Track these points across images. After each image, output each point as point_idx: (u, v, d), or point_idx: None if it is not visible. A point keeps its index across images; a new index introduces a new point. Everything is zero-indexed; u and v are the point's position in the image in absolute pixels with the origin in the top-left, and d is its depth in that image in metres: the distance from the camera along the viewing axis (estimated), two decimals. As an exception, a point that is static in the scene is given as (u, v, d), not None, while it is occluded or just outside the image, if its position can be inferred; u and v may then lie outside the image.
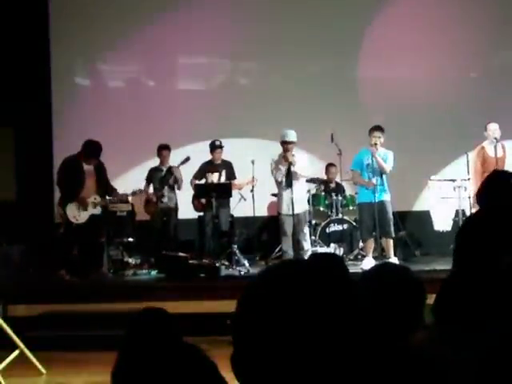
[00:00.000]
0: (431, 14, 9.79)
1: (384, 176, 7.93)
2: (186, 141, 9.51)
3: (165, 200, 8.81)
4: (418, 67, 9.84)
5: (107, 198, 8.25)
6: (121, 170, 9.72)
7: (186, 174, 8.91)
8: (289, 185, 7.98)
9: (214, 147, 8.87)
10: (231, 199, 8.77)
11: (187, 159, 8.53)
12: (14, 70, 9.35)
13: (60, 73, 9.93)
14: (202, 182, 8.89)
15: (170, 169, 8.86)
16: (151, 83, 10.28)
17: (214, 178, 8.87)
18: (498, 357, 1.54)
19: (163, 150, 8.91)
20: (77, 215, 7.95)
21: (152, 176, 8.98)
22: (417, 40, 9.79)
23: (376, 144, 7.77)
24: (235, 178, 8.84)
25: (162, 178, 8.83)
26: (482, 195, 3.53)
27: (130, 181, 9.68)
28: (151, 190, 8.99)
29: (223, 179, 8.82)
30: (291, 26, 9.79)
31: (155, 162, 9.21)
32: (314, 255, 1.33)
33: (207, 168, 8.90)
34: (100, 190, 8.15)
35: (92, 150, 8.02)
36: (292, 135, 7.99)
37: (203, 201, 8.78)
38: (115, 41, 9.95)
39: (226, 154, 9.03)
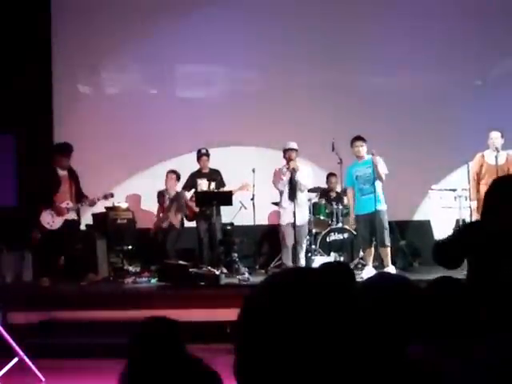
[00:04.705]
0: (433, 22, 9.80)
1: (377, 184, 7.92)
2: (185, 149, 9.51)
3: (164, 225, 8.91)
4: (419, 76, 9.85)
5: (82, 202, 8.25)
6: (120, 178, 9.72)
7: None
8: (292, 196, 8.04)
9: (200, 155, 8.92)
10: (231, 207, 8.77)
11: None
12: (15, 77, 9.36)
13: (61, 80, 9.94)
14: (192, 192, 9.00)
15: (175, 195, 8.97)
16: (151, 91, 10.29)
17: (203, 186, 8.89)
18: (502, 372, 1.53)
19: (170, 173, 9.02)
20: (51, 221, 7.98)
21: (159, 199, 9.11)
22: (418, 48, 9.80)
23: (359, 153, 7.98)
24: (225, 185, 8.90)
25: (168, 205, 8.99)
26: (488, 199, 3.39)
27: (128, 188, 9.70)
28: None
29: (213, 187, 8.85)
30: (292, 35, 9.81)
31: (154, 169, 9.36)
32: (324, 264, 1.31)
33: (196, 177, 8.94)
34: (74, 195, 8.17)
35: (63, 147, 8.11)
36: (293, 143, 8.28)
37: (195, 210, 8.82)
38: (116, 49, 9.97)
39: (227, 163, 9.05)
